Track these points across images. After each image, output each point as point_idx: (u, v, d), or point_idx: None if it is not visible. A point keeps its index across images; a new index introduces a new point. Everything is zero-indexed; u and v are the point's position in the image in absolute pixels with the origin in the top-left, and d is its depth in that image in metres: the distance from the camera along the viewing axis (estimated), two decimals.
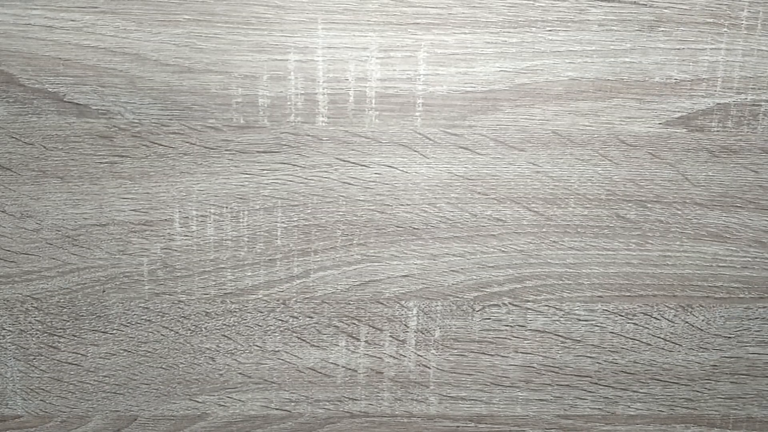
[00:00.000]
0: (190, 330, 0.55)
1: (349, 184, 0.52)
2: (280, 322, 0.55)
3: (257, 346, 0.55)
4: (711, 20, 0.50)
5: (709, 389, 0.58)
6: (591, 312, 0.55)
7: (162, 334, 0.55)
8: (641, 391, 0.57)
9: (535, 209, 0.53)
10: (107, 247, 0.53)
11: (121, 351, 0.55)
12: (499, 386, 0.57)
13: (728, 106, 0.52)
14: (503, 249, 0.54)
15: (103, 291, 0.54)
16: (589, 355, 0.56)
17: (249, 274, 0.54)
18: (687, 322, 0.56)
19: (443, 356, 0.56)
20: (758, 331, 0.57)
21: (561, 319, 0.55)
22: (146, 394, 0.56)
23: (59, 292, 0.53)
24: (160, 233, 0.53)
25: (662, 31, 0.50)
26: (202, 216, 0.52)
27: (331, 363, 0.56)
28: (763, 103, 0.52)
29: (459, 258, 0.54)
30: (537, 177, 0.53)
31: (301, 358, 0.55)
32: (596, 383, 0.57)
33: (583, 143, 0.52)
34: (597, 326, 0.56)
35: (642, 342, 0.56)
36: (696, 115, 0.52)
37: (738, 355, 0.57)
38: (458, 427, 0.57)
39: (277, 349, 0.55)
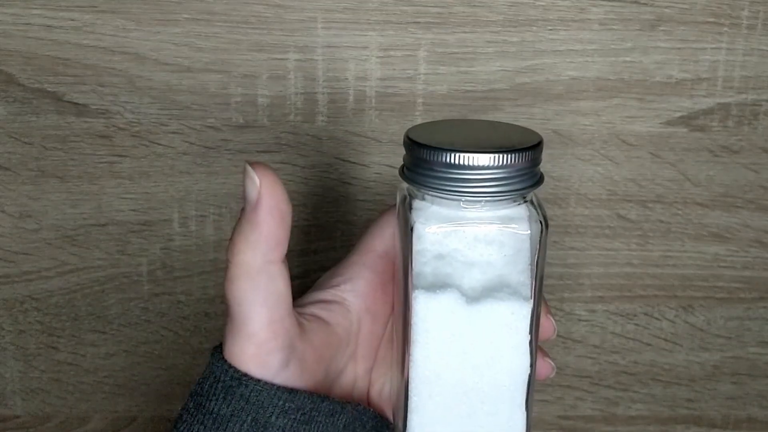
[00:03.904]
0: (189, 330, 0.54)
1: (349, 184, 0.52)
2: None
3: None
4: (712, 20, 0.50)
5: (710, 390, 0.57)
6: (591, 312, 0.55)
7: (161, 335, 0.54)
8: (642, 391, 0.57)
9: None
10: (106, 247, 0.53)
11: (121, 351, 0.55)
12: None
13: (729, 106, 0.52)
14: None
15: (102, 291, 0.53)
16: (589, 355, 0.56)
17: None
18: (688, 323, 0.56)
19: None
20: (759, 331, 0.56)
21: (561, 319, 0.55)
22: (146, 394, 0.56)
23: (58, 293, 0.53)
24: (160, 233, 0.52)
25: (663, 30, 0.50)
26: (201, 216, 0.52)
27: None
28: (763, 103, 0.52)
29: None
30: None
31: None
32: (597, 384, 0.57)
33: (584, 143, 0.52)
34: (597, 326, 0.56)
35: (643, 342, 0.56)
36: (697, 115, 0.52)
37: (739, 356, 0.57)
38: None
39: None
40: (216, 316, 0.54)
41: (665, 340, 0.56)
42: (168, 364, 0.55)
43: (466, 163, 0.31)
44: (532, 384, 0.35)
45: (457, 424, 0.35)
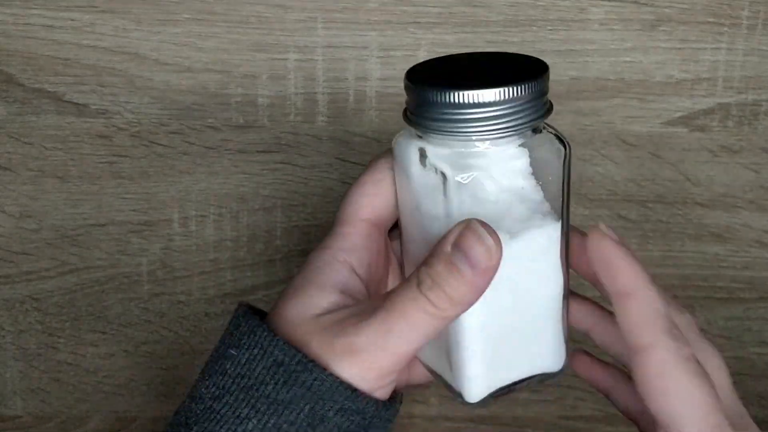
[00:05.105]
0: (189, 331, 0.54)
1: (349, 184, 0.52)
2: None
3: None
4: (712, 20, 0.50)
5: None
6: None
7: (161, 335, 0.54)
8: None
9: None
10: (106, 247, 0.53)
11: (121, 351, 0.55)
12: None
13: (729, 106, 0.52)
14: None
15: (102, 291, 0.53)
16: None
17: (249, 274, 0.53)
18: None
19: None
20: (759, 331, 0.56)
21: None
22: (146, 395, 0.56)
23: (58, 293, 0.53)
24: (160, 233, 0.52)
25: (663, 30, 0.50)
26: (201, 216, 0.52)
27: None
28: (764, 103, 0.52)
29: None
30: None
31: None
32: None
33: (584, 143, 0.52)
34: None
35: None
36: (697, 115, 0.52)
37: (739, 356, 0.57)
38: (459, 427, 0.57)
39: None
40: (216, 316, 0.54)
41: None
42: (168, 364, 0.55)
43: (474, 101, 0.30)
44: (567, 297, 0.37)
45: (504, 359, 0.35)
